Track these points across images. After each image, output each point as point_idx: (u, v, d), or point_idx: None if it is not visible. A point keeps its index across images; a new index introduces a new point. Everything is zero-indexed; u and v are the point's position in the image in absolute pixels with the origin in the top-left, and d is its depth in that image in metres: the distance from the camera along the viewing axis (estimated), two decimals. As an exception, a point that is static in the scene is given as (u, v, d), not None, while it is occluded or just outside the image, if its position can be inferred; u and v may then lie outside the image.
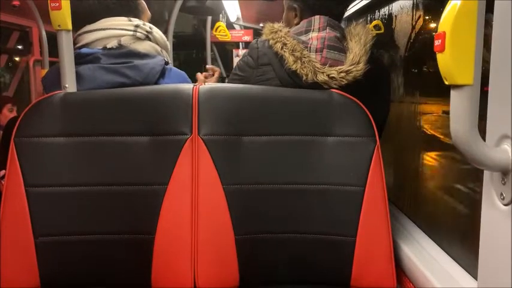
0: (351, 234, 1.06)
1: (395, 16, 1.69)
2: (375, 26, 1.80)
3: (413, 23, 1.47)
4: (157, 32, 1.24)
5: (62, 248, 1.05)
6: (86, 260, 1.07)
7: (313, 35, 1.20)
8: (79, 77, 1.10)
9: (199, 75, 1.63)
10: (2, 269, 1.03)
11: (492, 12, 0.61)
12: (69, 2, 1.03)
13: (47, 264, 1.05)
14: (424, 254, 1.07)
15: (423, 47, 1.40)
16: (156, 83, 1.16)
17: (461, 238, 1.06)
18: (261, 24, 1.29)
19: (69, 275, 1.07)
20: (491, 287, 0.66)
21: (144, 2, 1.30)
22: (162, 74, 1.18)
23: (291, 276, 1.10)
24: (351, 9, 2.07)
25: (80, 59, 1.12)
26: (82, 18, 1.17)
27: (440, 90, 1.13)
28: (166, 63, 1.22)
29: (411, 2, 1.49)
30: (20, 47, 4.12)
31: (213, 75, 1.64)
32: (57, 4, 1.02)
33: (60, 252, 1.05)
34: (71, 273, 1.07)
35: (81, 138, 1.07)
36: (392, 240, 1.07)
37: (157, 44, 1.23)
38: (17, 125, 1.06)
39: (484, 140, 0.62)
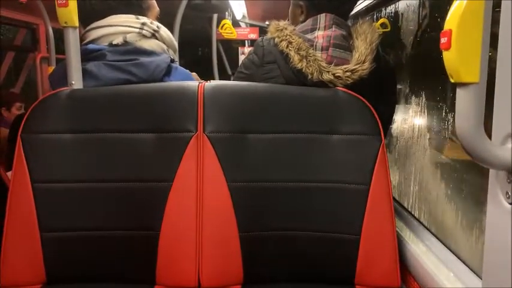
0: (355, 232, 1.06)
1: (402, 14, 1.68)
2: (381, 25, 1.79)
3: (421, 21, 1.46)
4: (164, 32, 1.24)
5: (68, 243, 1.06)
6: (91, 256, 1.08)
7: (319, 33, 1.20)
8: (85, 73, 1.10)
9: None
10: (9, 264, 1.04)
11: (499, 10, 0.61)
12: None
13: (53, 259, 1.05)
14: (429, 253, 1.07)
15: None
16: (161, 80, 1.16)
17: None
18: (267, 22, 1.29)
19: (75, 270, 1.08)
20: (496, 286, 0.66)
21: (151, 0, 1.30)
22: (168, 72, 1.18)
23: (295, 273, 1.10)
24: (358, 6, 2.07)
25: (87, 55, 1.13)
26: (85, 17, 1.18)
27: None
28: (172, 61, 1.22)
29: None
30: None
31: None
32: (64, 1, 1.03)
33: (65, 247, 1.06)
34: (76, 268, 1.08)
35: (87, 134, 1.07)
36: (396, 239, 1.06)
37: (164, 43, 1.23)
38: (23, 121, 1.07)
39: (490, 138, 0.62)
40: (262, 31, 4.51)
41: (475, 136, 0.58)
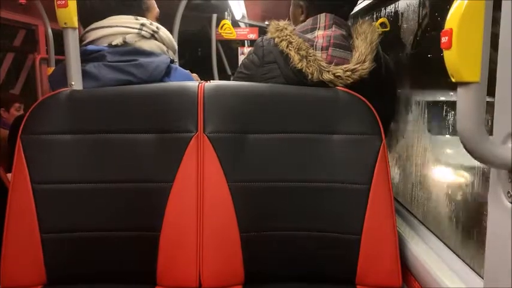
0: (356, 232, 1.06)
1: (402, 14, 1.68)
2: (381, 24, 1.79)
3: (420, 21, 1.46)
4: (164, 32, 1.24)
5: (68, 244, 1.06)
6: (92, 257, 1.07)
7: (319, 33, 1.20)
8: (85, 74, 1.10)
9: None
10: (10, 265, 1.04)
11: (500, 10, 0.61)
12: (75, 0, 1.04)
13: (53, 260, 1.05)
14: (430, 252, 1.07)
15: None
16: (161, 81, 1.16)
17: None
18: (266, 22, 1.29)
19: (75, 271, 1.08)
20: (497, 285, 0.66)
21: (150, 1, 1.30)
22: (167, 72, 1.18)
23: (296, 273, 1.10)
24: (357, 6, 2.06)
25: (86, 56, 1.13)
26: (85, 17, 1.18)
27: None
28: (172, 61, 1.22)
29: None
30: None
31: None
32: (64, 2, 1.02)
33: (66, 248, 1.06)
34: (77, 269, 1.08)
35: (87, 135, 1.07)
36: (397, 238, 1.06)
37: (163, 43, 1.23)
38: (23, 122, 1.07)
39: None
40: (262, 31, 4.51)
41: (476, 135, 0.58)
